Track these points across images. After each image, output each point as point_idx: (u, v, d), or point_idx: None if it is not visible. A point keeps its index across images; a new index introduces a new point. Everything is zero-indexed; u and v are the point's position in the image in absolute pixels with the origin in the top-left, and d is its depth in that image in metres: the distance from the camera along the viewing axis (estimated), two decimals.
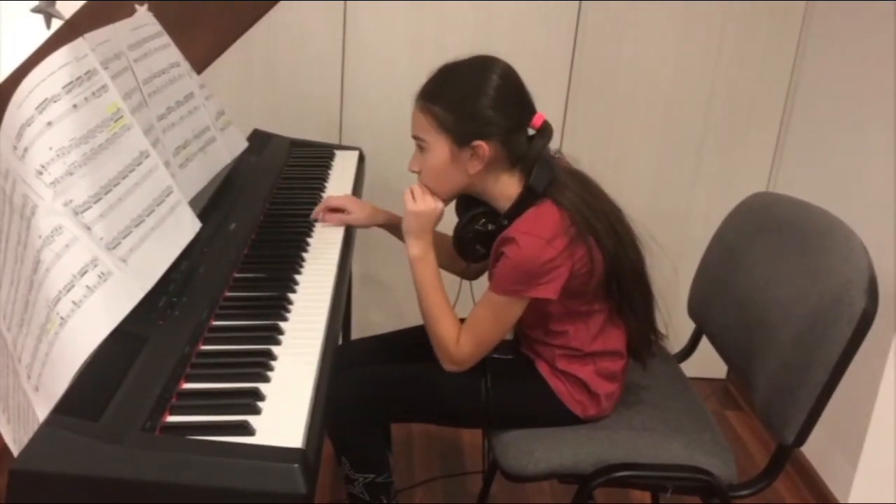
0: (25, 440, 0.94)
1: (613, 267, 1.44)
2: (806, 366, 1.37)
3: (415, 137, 1.47)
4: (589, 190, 1.46)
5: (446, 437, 2.30)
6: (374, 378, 1.57)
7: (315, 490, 0.94)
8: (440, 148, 1.43)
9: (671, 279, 1.63)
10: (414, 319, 1.80)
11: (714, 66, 2.33)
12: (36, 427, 0.97)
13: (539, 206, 1.42)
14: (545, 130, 1.46)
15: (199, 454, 0.91)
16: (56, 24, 2.23)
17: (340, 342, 2.14)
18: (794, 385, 1.38)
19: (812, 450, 2.20)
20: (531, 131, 1.45)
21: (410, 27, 2.23)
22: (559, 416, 1.50)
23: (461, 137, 1.41)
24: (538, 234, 1.38)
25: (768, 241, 1.58)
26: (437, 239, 1.54)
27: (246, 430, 0.96)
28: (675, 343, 1.76)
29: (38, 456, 0.89)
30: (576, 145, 2.32)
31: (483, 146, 1.40)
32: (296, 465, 0.91)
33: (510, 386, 1.52)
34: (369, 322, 2.36)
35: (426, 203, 1.47)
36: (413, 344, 1.67)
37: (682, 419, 1.55)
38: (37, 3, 2.07)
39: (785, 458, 1.43)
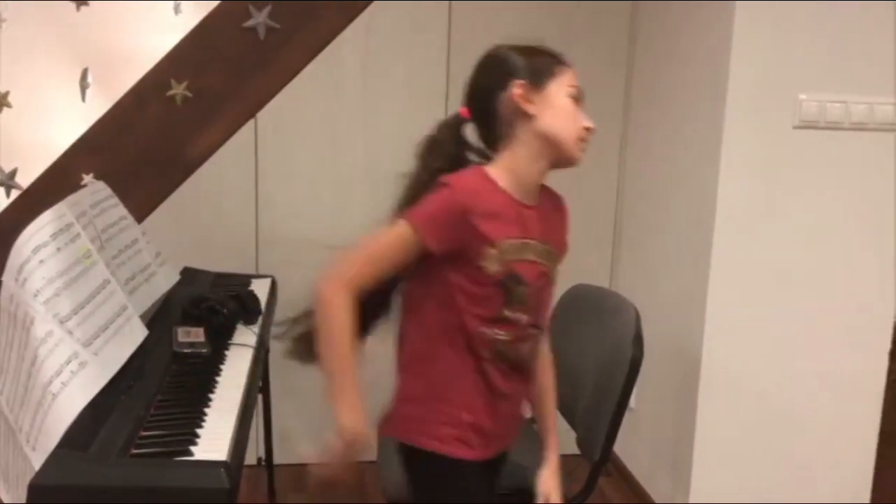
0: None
1: None
2: (601, 401, 1.88)
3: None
4: None
5: None
6: None
7: (237, 488, 1.39)
8: None
9: None
10: None
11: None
12: None
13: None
14: None
15: (159, 466, 1.37)
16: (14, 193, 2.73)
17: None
18: (594, 417, 1.90)
19: (652, 485, 2.69)
20: None
21: (309, 174, 2.78)
22: None
23: None
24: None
25: (580, 321, 2.12)
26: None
27: (189, 452, 1.42)
28: None
29: (50, 473, 1.32)
30: None
31: None
32: (221, 470, 1.36)
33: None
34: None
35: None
36: None
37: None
38: None
39: (597, 473, 1.92)
